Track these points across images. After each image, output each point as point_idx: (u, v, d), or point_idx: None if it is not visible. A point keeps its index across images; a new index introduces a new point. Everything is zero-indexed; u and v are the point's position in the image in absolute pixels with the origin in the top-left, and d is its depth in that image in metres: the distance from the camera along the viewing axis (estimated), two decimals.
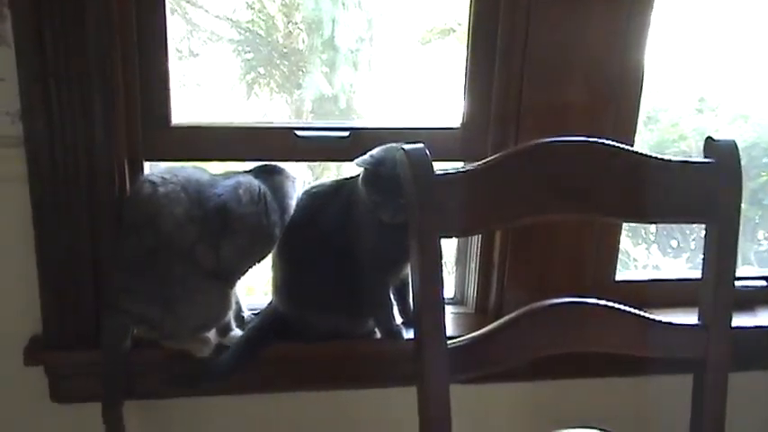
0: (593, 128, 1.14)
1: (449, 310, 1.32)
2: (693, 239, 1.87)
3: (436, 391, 0.95)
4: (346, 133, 1.20)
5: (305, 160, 1.24)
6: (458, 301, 1.38)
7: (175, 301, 1.10)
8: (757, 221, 1.71)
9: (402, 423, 1.31)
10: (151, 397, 1.23)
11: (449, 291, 1.39)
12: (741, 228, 1.03)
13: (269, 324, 1.22)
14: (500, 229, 0.98)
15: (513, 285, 1.27)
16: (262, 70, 1.70)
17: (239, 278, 1.17)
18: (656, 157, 1.01)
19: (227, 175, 1.18)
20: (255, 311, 1.25)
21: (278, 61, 1.74)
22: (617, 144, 1.00)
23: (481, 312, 1.32)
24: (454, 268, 1.39)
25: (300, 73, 1.67)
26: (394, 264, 1.19)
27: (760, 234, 1.76)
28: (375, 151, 1.13)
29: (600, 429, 1.05)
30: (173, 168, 1.15)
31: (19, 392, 1.20)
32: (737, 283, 1.06)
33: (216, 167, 1.25)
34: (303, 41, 1.66)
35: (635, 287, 1.35)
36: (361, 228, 1.17)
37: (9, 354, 1.16)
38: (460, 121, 1.25)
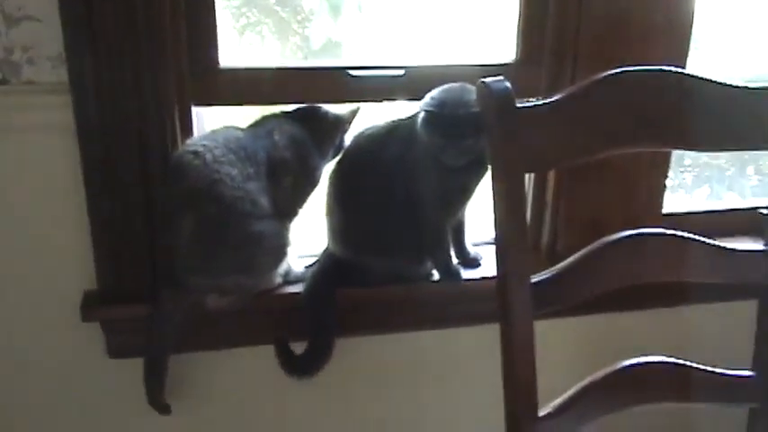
0: (649, 59, 1.12)
1: None
2: (694, 175, 1.89)
3: (521, 326, 0.95)
4: (401, 72, 1.17)
5: (358, 101, 1.20)
6: None
7: (253, 260, 1.08)
8: (746, 157, 1.72)
9: (462, 362, 1.32)
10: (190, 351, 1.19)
11: None
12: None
13: (327, 271, 1.20)
14: (580, 162, 0.96)
15: (566, 223, 1.27)
16: (252, 16, 1.61)
17: (296, 215, 1.17)
18: (730, 85, 0.99)
19: (259, 123, 1.15)
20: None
21: (276, 8, 1.65)
22: (692, 72, 0.99)
23: (534, 250, 1.32)
24: None
25: (299, 18, 1.59)
26: (453, 205, 1.18)
27: (750, 169, 1.78)
28: (435, 92, 1.10)
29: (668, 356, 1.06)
30: (206, 135, 1.11)
31: (76, 349, 1.16)
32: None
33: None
34: None
35: (681, 219, 1.36)
36: (418, 169, 1.14)
37: (65, 310, 1.12)
38: (513, 57, 1.23)
